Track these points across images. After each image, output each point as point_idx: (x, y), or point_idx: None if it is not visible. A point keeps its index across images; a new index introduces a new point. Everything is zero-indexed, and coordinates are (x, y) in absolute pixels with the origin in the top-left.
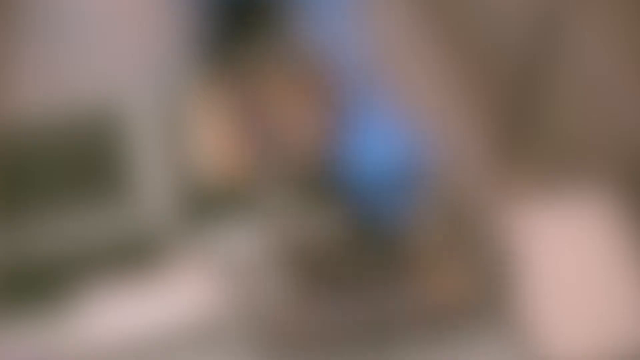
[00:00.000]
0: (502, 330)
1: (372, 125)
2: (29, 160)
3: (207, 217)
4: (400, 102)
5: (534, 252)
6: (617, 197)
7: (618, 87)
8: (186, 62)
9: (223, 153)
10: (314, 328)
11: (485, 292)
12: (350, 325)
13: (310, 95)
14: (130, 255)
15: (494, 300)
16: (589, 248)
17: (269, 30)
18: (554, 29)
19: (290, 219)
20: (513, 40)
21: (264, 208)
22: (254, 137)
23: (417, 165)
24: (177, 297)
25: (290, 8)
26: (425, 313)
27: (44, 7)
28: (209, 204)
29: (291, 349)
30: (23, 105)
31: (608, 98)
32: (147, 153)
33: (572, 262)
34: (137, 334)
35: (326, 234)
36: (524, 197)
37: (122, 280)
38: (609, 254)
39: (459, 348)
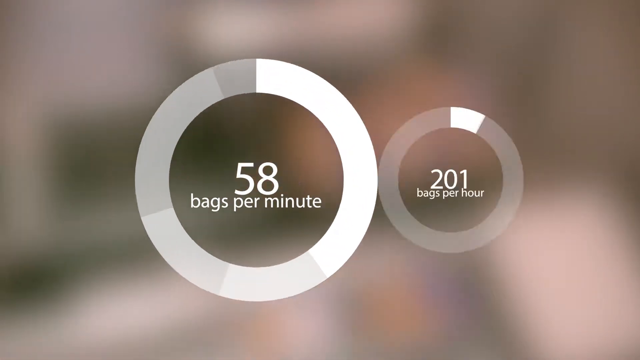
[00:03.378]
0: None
1: None
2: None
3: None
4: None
5: (530, 253)
6: (615, 197)
7: (617, 87)
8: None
9: None
10: None
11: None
12: None
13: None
14: (131, 255)
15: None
16: (586, 249)
17: None
18: (552, 31)
19: None
20: (510, 42)
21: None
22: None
23: None
24: (176, 297)
25: None
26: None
27: (44, 7)
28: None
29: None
30: (24, 105)
31: (607, 98)
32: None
33: (569, 263)
34: (137, 334)
35: None
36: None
37: (122, 280)
38: (606, 255)
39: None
